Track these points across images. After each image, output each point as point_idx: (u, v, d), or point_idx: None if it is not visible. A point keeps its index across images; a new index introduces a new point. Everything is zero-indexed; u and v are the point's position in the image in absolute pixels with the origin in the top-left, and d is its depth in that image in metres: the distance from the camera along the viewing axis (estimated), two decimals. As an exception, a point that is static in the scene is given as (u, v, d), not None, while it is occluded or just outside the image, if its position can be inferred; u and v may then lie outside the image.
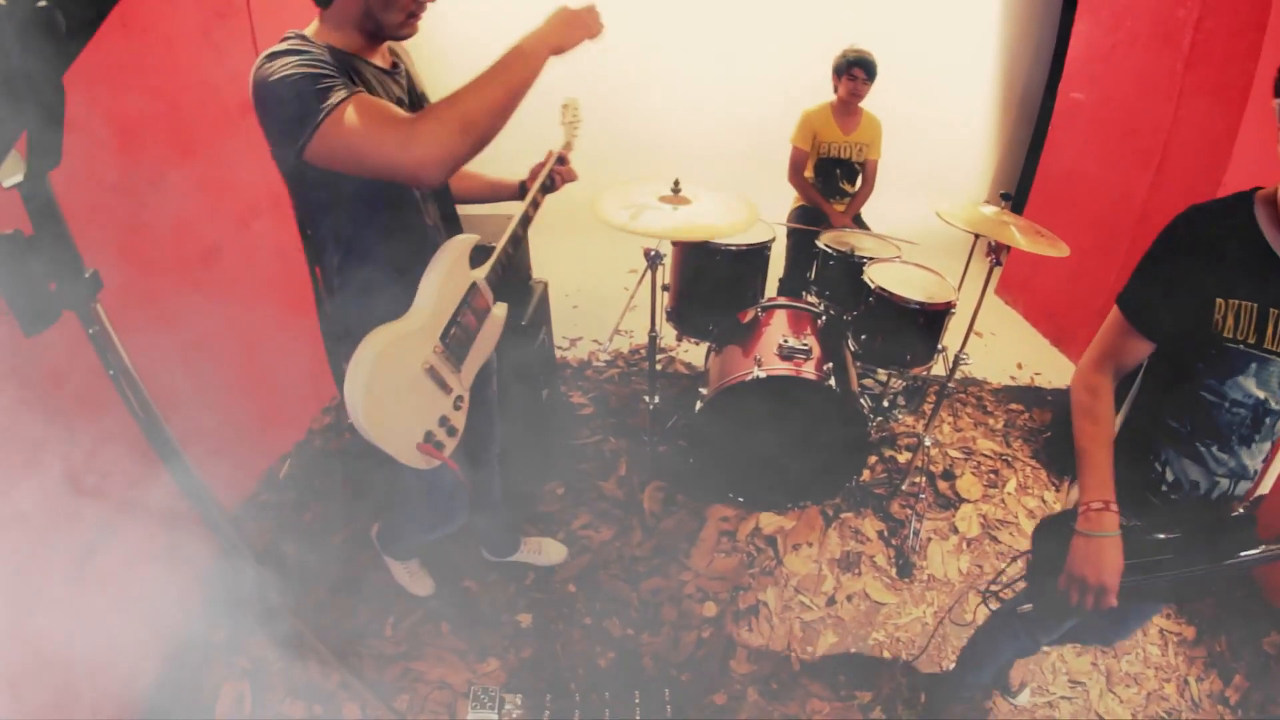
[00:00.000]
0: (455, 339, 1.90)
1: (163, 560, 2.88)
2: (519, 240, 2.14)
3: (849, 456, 3.47)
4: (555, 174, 2.31)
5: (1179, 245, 1.56)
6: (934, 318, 3.36)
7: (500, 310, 2.13)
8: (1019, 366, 4.93)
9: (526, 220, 2.18)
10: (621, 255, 5.72)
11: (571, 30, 1.71)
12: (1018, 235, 3.11)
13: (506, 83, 1.56)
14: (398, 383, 1.73)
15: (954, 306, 3.42)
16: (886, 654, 3.11)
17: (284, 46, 1.56)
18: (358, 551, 3.33)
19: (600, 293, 5.54)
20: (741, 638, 3.12)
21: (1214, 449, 1.67)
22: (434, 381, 1.84)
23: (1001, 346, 5.14)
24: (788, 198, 4.63)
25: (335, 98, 1.46)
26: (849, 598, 3.30)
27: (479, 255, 2.07)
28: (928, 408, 4.36)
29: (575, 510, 3.61)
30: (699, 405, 3.45)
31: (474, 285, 1.98)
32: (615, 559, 3.39)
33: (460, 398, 1.93)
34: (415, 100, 1.92)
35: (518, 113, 1.65)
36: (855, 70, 4.20)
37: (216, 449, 3.30)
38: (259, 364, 3.47)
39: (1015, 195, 4.66)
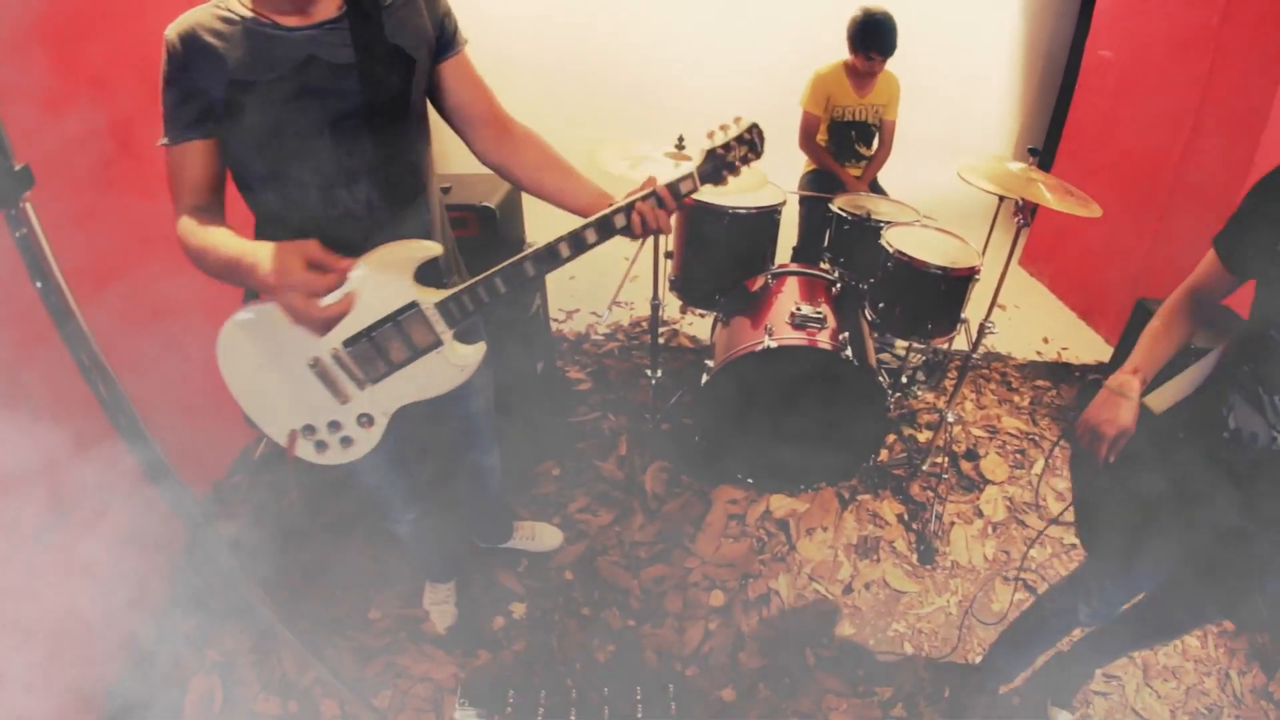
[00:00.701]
0: (364, 354, 1.74)
1: (124, 544, 2.70)
2: (521, 279, 1.69)
3: (866, 434, 3.30)
4: (643, 214, 1.69)
5: (1271, 191, 1.61)
6: (957, 284, 3.20)
7: (465, 354, 1.80)
8: (1045, 341, 4.74)
9: (550, 258, 1.68)
10: (621, 223, 5.52)
11: (280, 298, 1.59)
12: (1046, 193, 2.92)
13: (220, 271, 1.62)
14: (270, 363, 1.71)
15: (978, 272, 3.26)
16: (908, 646, 2.95)
17: (172, 33, 1.59)
18: (338, 536, 3.16)
19: (598, 263, 5.31)
20: (751, 629, 2.95)
21: (1275, 399, 1.65)
22: (321, 381, 1.76)
23: (1026, 320, 4.96)
24: (798, 161, 4.43)
25: (164, 139, 1.63)
26: (867, 586, 3.13)
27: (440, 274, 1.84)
28: (949, 384, 4.18)
29: (572, 492, 3.44)
30: (705, 378, 3.27)
31: (412, 307, 1.71)
32: (615, 544, 3.22)
33: (366, 416, 1.81)
34: (375, 50, 1.64)
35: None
36: (871, 53, 3.99)
37: (185, 426, 3.12)
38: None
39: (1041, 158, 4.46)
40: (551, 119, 3.30)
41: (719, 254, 3.56)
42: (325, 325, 1.61)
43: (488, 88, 1.87)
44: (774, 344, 3.07)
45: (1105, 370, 4.25)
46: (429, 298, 1.70)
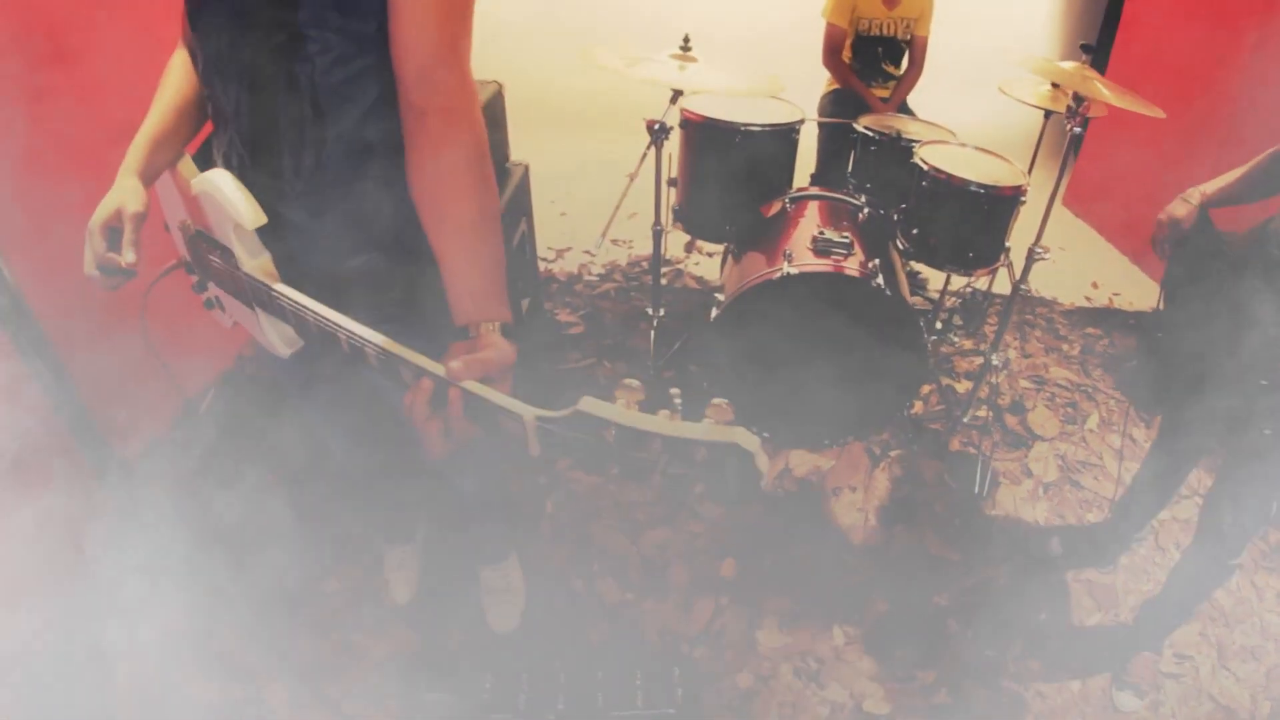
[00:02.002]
0: (197, 254, 1.61)
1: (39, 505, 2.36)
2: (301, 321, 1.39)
3: (901, 377, 2.96)
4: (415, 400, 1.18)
5: None
6: (1001, 206, 2.91)
7: (274, 339, 1.51)
8: (1094, 286, 4.39)
9: (328, 338, 1.32)
10: (620, 156, 5.11)
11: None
12: (1104, 89, 2.56)
13: None
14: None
15: (1024, 193, 2.94)
16: (953, 623, 2.59)
17: None
18: (291, 498, 2.85)
19: (593, 198, 4.94)
20: (770, 603, 2.61)
21: None
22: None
23: (1072, 263, 4.59)
24: (817, 80, 4.03)
25: None
26: (904, 552, 2.78)
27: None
28: (989, 330, 3.80)
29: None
30: (714, 313, 2.89)
31: (231, 256, 1.47)
32: (611, 506, 2.88)
33: (219, 302, 1.66)
34: None
35: None
36: None
37: (121, 376, 2.78)
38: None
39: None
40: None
41: (729, 178, 3.21)
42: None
43: (440, 33, 1.31)
44: (794, 271, 2.71)
45: (1162, 316, 3.87)
46: (247, 260, 1.43)
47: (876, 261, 2.84)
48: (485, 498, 2.53)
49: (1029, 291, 2.91)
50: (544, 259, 4.29)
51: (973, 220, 2.97)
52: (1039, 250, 2.90)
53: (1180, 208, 2.11)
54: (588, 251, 4.39)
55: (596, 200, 4.62)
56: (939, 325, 3.74)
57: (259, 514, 2.85)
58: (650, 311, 3.29)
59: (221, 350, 3.51)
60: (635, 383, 0.94)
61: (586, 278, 4.18)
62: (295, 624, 2.55)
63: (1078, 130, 2.72)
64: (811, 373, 2.94)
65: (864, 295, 2.80)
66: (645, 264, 4.28)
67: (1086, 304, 4.25)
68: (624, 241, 4.51)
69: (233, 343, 3.57)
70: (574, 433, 0.96)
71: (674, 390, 0.91)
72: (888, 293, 2.77)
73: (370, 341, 1.19)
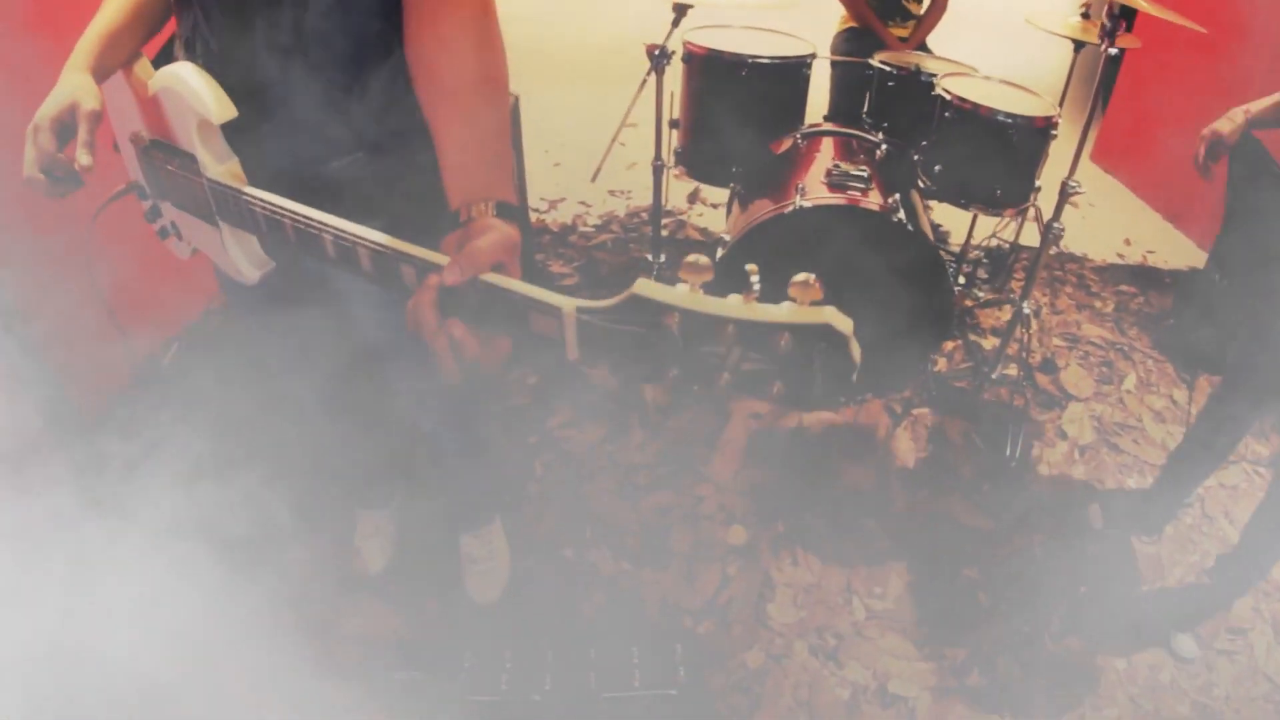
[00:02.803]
0: (151, 164, 1.39)
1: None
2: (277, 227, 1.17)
3: (924, 327, 2.76)
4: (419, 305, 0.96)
5: None
6: (1031, 137, 2.67)
7: (239, 260, 1.32)
8: (1127, 243, 4.12)
9: (313, 241, 1.11)
10: (617, 107, 4.82)
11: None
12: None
13: None
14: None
15: (1056, 125, 2.70)
16: (985, 596, 2.34)
17: None
18: (255, 459, 2.58)
19: (588, 149, 4.66)
20: (783, 574, 2.37)
21: None
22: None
23: (1103, 219, 4.33)
24: (830, 14, 3.74)
25: None
26: (929, 520, 2.53)
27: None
28: (1016, 286, 3.53)
29: (552, 404, 2.82)
30: (720, 254, 2.63)
31: (192, 162, 1.27)
32: (607, 467, 2.63)
33: (175, 228, 1.46)
34: None
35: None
36: None
37: (77, 326, 2.55)
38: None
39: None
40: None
41: (735, 115, 2.95)
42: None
43: None
44: (807, 204, 2.46)
45: (1200, 275, 3.63)
46: (213, 165, 1.24)
47: (897, 196, 2.58)
48: (468, 456, 2.27)
49: (1061, 231, 2.63)
50: (536, 210, 4.02)
51: (1001, 154, 2.73)
52: (1073, 184, 2.64)
53: (1224, 124, 2.06)
54: (583, 203, 4.12)
55: (592, 151, 4.35)
56: (962, 280, 3.47)
57: (219, 477, 2.58)
58: (650, 258, 3.02)
59: (188, 300, 3.32)
60: (703, 259, 0.78)
61: (581, 229, 3.92)
62: (257, 595, 2.29)
63: (1113, 52, 2.47)
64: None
65: (884, 232, 2.58)
66: (645, 215, 4.02)
67: (1119, 261, 3.99)
68: (622, 192, 4.24)
69: (200, 292, 3.37)
70: (626, 325, 0.80)
71: (750, 266, 0.77)
72: (910, 228, 2.51)
73: (363, 239, 1.00)
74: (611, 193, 4.21)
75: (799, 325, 0.73)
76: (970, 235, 3.42)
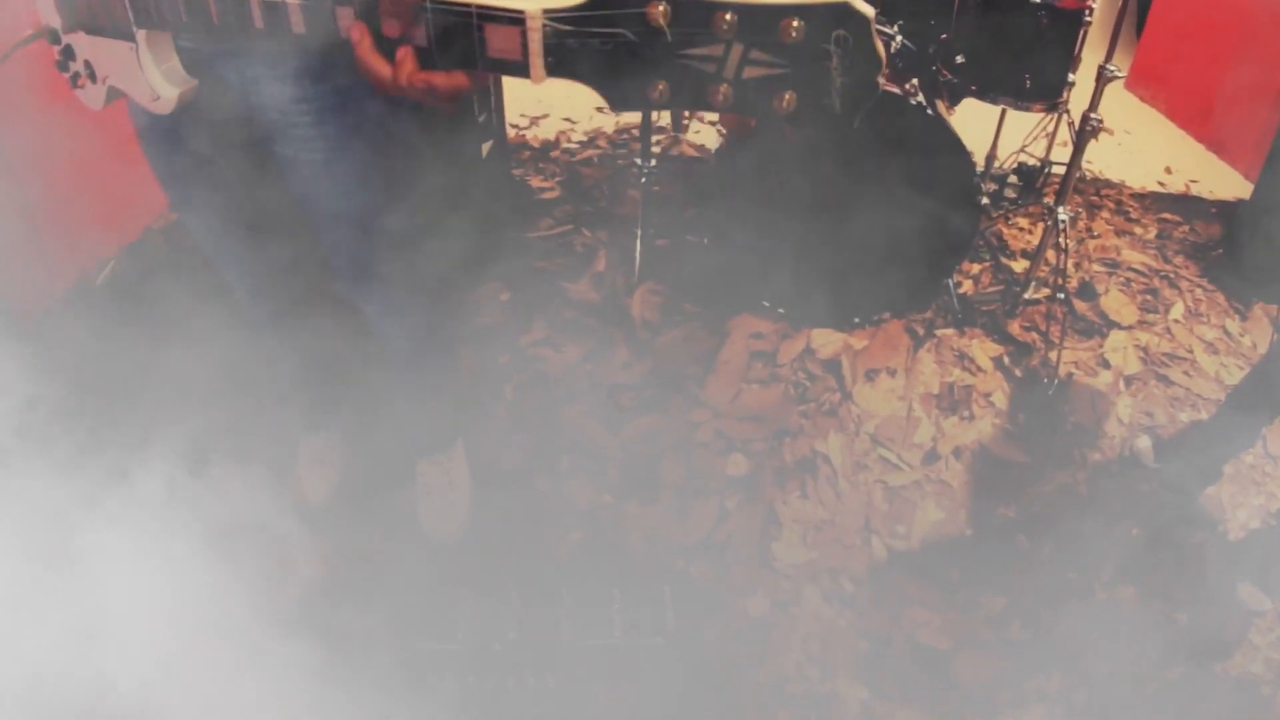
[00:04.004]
0: None
1: None
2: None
3: (946, 231, 2.45)
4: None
5: None
6: (1063, 21, 2.39)
7: (157, 82, 1.14)
8: (1168, 171, 3.76)
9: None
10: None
11: None
12: None
13: None
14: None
15: (1090, 10, 2.40)
16: (1024, 539, 2.00)
17: None
18: (188, 377, 2.26)
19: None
20: (790, 509, 2.04)
21: None
22: None
23: (1140, 148, 3.98)
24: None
25: None
26: (957, 453, 2.20)
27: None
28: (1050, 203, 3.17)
29: (526, 320, 2.46)
30: (717, 150, 2.28)
31: None
32: (587, 389, 2.29)
33: (90, 69, 1.22)
34: None
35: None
36: None
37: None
38: (82, 134, 2.46)
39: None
40: None
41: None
42: None
43: None
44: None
45: (1247, 207, 3.28)
46: None
47: (915, 81, 2.23)
48: (427, 367, 1.92)
49: (1099, 124, 2.31)
50: (515, 125, 3.64)
51: (1030, 39, 2.44)
52: (1110, 69, 2.30)
53: None
54: (567, 119, 3.75)
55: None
56: (986, 199, 3.09)
57: (149, 398, 2.23)
58: (640, 162, 2.64)
59: (128, 218, 3.07)
60: None
61: (565, 144, 3.54)
62: (182, 531, 1.93)
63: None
64: (837, 228, 2.33)
65: (901, 118, 2.30)
66: (634, 131, 3.64)
67: (1160, 189, 3.63)
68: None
69: (143, 210, 3.12)
70: (603, 29, 0.68)
71: None
72: (929, 112, 2.16)
73: None
74: (599, 109, 3.82)
75: (810, 4, 0.62)
76: (996, 141, 3.05)
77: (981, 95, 2.55)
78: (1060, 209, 2.58)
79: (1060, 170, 2.71)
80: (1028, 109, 2.56)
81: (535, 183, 3.25)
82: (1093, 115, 2.44)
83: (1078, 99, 2.51)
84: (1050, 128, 3.13)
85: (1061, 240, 2.57)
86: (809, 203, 2.43)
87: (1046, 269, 2.79)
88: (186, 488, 2.07)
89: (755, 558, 2.00)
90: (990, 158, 3.10)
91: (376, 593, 1.87)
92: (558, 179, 3.27)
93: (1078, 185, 3.20)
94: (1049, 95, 2.54)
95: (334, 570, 1.96)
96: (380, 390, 2.16)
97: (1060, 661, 1.87)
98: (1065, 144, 2.65)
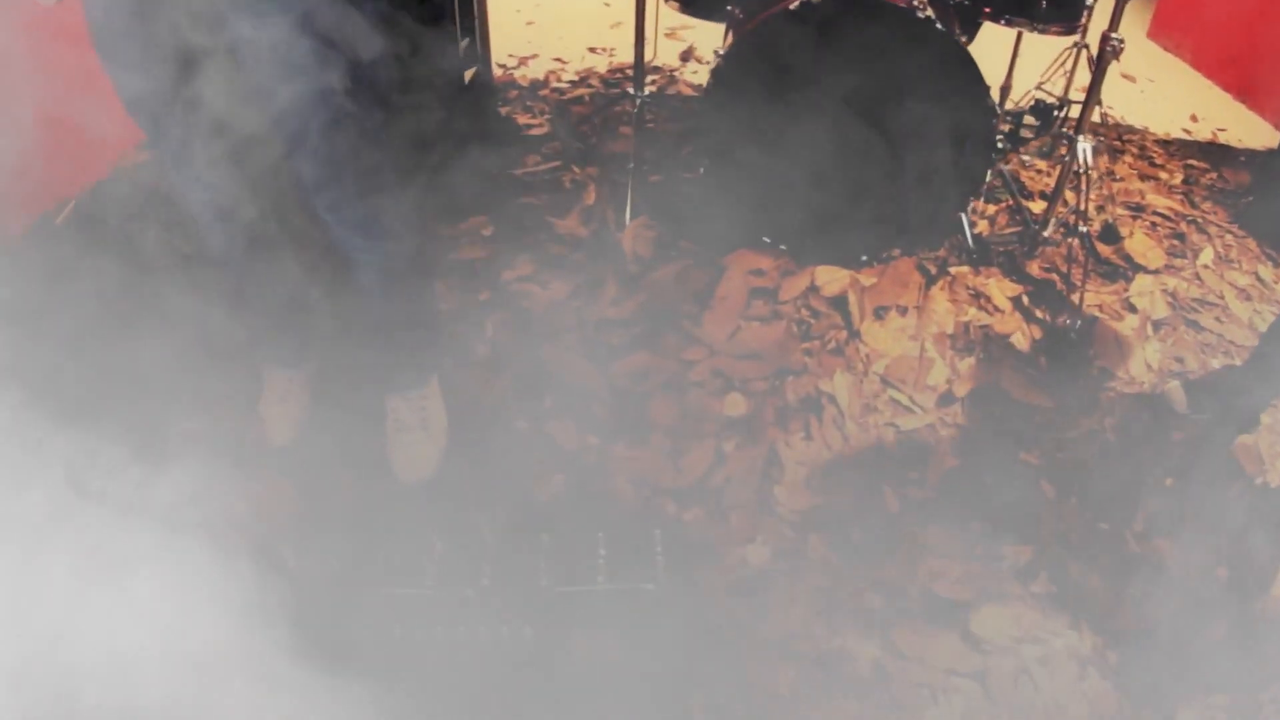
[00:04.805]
0: None
1: None
2: None
3: (959, 159, 2.27)
4: None
5: None
6: None
7: None
8: (1193, 119, 3.57)
9: None
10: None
11: None
12: None
13: None
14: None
15: None
16: (1049, 487, 1.81)
17: None
18: (148, 314, 2.08)
19: (564, 6, 4.08)
20: (793, 451, 1.86)
21: None
22: None
23: (1164, 95, 3.79)
24: None
25: None
26: (973, 396, 2.01)
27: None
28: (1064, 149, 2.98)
29: (510, 256, 2.26)
30: (713, 67, 2.09)
31: None
32: (573, 326, 2.11)
33: None
34: None
35: None
36: None
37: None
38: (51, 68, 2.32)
39: None
40: None
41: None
42: None
43: None
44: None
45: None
46: None
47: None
48: (403, 296, 1.83)
49: (1120, 45, 2.12)
50: (503, 65, 3.44)
51: None
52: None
53: None
54: (558, 59, 3.55)
55: (569, 11, 3.79)
56: (1000, 142, 2.89)
57: (106, 335, 2.05)
58: (632, 92, 2.45)
59: (96, 155, 2.91)
60: None
61: (555, 84, 3.34)
62: (139, 470, 1.76)
63: None
64: (842, 157, 2.14)
65: (909, 34, 2.12)
66: (628, 72, 3.44)
67: (1186, 136, 3.44)
68: (604, 49, 3.66)
69: (112, 147, 2.97)
70: None
71: None
72: (939, 27, 1.97)
73: None
74: (591, 50, 3.63)
75: None
76: (1010, 74, 2.85)
77: (995, 17, 2.38)
78: (1080, 137, 2.38)
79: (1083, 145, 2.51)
80: (1045, 32, 2.38)
81: (522, 120, 3.05)
82: (1113, 35, 2.25)
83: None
84: (1069, 65, 2.93)
85: (1081, 173, 2.38)
86: (811, 132, 2.24)
87: (1065, 208, 2.60)
88: (143, 433, 1.91)
89: (755, 503, 1.82)
90: (1005, 89, 2.90)
91: (337, 534, 1.69)
92: (547, 116, 3.07)
93: (1099, 130, 3.00)
94: (1068, 17, 2.36)
95: (293, 511, 1.77)
96: (351, 321, 1.98)
97: (1092, 616, 1.69)
98: (1083, 90, 2.44)
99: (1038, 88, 3.00)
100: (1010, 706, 1.60)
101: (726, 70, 2.20)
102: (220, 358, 2.07)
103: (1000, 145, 2.53)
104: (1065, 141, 2.47)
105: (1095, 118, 2.56)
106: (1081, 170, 2.37)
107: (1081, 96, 2.46)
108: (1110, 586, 1.77)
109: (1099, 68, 2.30)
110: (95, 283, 2.21)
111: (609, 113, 3.10)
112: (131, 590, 1.55)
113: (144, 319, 2.14)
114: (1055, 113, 2.96)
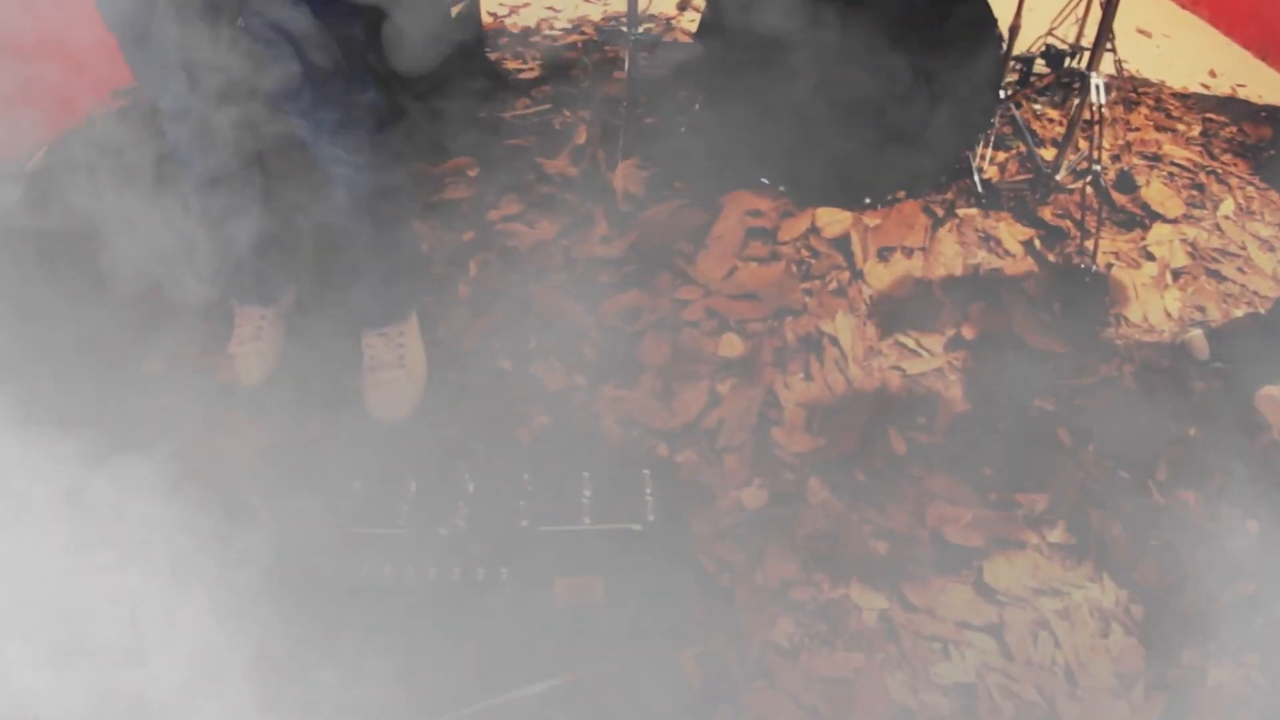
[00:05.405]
0: None
1: None
2: None
3: (965, 94, 2.15)
4: None
5: None
6: None
7: None
8: (1211, 74, 3.43)
9: None
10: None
11: None
12: None
13: None
14: None
15: None
16: (1066, 435, 1.69)
17: None
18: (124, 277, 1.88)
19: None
20: (793, 392, 1.72)
21: None
22: None
23: (1181, 51, 3.66)
24: None
25: None
26: (984, 340, 1.87)
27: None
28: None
29: (496, 197, 2.13)
30: (708, 3, 1.98)
31: None
32: (561, 265, 1.98)
33: None
34: None
35: None
36: None
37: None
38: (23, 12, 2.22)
39: None
40: None
41: None
42: None
43: None
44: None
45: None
46: None
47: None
48: (379, 232, 1.72)
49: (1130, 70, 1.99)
50: (494, 14, 3.30)
51: None
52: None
53: None
54: (550, 8, 3.40)
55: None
56: (1009, 75, 2.76)
57: (75, 279, 1.93)
58: (625, 28, 2.32)
59: (71, 101, 2.81)
60: None
61: (547, 31, 3.20)
62: (103, 412, 1.63)
63: None
64: (843, 95, 2.06)
65: None
66: (622, 19, 3.30)
67: (1204, 90, 3.30)
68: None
69: (86, 92, 2.89)
70: None
71: None
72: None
73: None
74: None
75: None
76: (1019, 13, 2.71)
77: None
78: (1094, 74, 2.25)
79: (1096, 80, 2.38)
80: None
81: (512, 65, 2.91)
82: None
83: None
84: (1080, 12, 2.80)
85: (1094, 110, 2.25)
86: (812, 70, 2.12)
87: (1075, 154, 2.47)
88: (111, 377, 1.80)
89: (753, 444, 1.70)
90: (1014, 28, 2.76)
91: (308, 472, 1.57)
92: (538, 62, 2.94)
93: (1113, 80, 2.87)
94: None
95: (260, 450, 1.65)
96: (328, 256, 1.86)
97: (1115, 568, 1.57)
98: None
99: (1049, 34, 2.87)
100: (1028, 662, 1.48)
101: (722, 5, 2.07)
102: (191, 297, 1.95)
103: (1009, 81, 2.40)
104: (1078, 81, 2.33)
105: (1110, 69, 2.44)
106: (1095, 108, 2.24)
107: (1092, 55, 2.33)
108: (1134, 538, 1.65)
109: (1110, 3, 2.16)
110: (64, 226, 2.09)
111: (602, 55, 2.96)
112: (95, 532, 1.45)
113: (114, 262, 2.02)
114: (1067, 60, 2.83)
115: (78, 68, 2.78)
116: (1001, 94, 2.29)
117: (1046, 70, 2.82)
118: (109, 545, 1.47)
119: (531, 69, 2.89)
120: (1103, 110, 2.26)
